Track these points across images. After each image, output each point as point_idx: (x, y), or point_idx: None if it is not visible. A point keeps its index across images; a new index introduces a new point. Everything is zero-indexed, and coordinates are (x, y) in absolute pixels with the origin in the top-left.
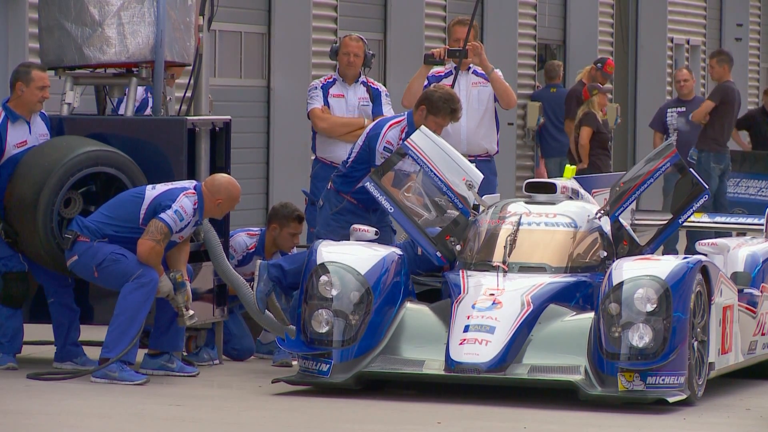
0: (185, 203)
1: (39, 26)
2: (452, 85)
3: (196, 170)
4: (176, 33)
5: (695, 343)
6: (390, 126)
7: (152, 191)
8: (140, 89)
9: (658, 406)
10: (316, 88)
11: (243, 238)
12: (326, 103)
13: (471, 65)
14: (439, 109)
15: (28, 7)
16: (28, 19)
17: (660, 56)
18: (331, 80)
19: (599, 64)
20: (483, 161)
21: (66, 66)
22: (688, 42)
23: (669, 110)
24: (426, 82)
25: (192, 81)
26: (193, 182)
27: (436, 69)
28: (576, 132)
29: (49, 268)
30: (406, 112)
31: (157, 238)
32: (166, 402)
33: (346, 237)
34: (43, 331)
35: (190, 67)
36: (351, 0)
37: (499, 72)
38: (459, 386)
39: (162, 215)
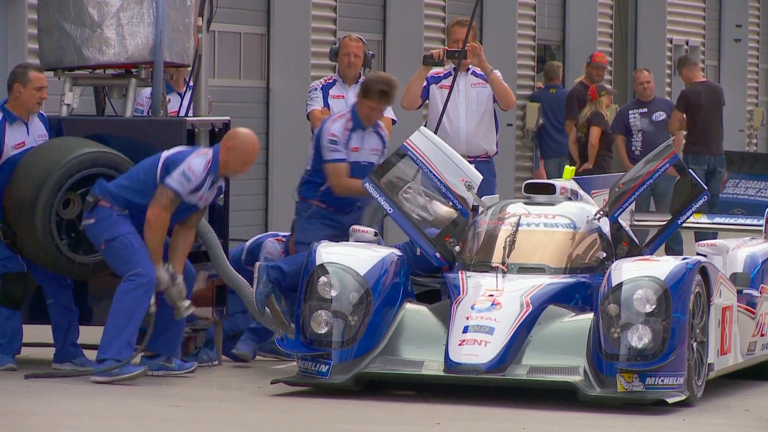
0: (194, 163)
1: (38, 27)
2: (451, 86)
3: None
4: (175, 34)
5: (694, 344)
6: (334, 120)
7: (167, 152)
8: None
9: (658, 407)
10: (316, 89)
11: (274, 245)
12: (326, 104)
13: (470, 66)
14: (368, 91)
15: (27, 8)
16: (27, 20)
17: (659, 57)
18: (331, 81)
19: (588, 59)
20: (482, 162)
21: (65, 67)
22: (687, 43)
23: (630, 112)
24: (425, 83)
25: (191, 82)
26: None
27: (435, 70)
28: (581, 132)
29: (47, 269)
30: (351, 106)
31: (162, 204)
32: (165, 403)
33: (326, 238)
34: (43, 332)
35: (189, 68)
36: (350, 1)
37: (498, 73)
38: (458, 387)
39: (167, 179)
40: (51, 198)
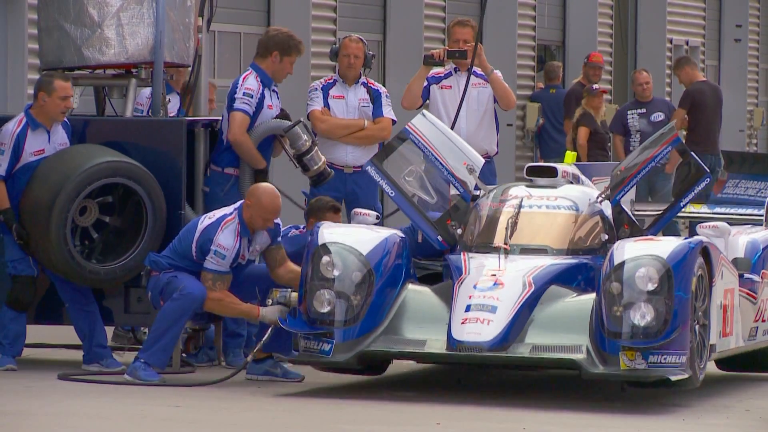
0: (222, 239)
1: (38, 27)
2: (465, 88)
3: (195, 171)
4: (175, 34)
5: (697, 327)
6: (245, 77)
7: (202, 223)
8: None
9: (658, 406)
10: (317, 89)
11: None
12: (326, 104)
13: (470, 66)
14: (290, 47)
15: (27, 8)
16: (28, 20)
17: (659, 57)
18: (331, 81)
19: (585, 60)
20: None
21: (65, 67)
22: (687, 43)
23: (629, 112)
24: (426, 83)
25: (191, 82)
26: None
27: (436, 70)
28: (573, 132)
29: (57, 273)
30: (251, 65)
31: (208, 286)
32: (165, 403)
33: None
34: (42, 333)
35: (189, 68)
36: (350, 1)
37: (498, 73)
38: (459, 386)
39: (206, 263)
40: (68, 203)
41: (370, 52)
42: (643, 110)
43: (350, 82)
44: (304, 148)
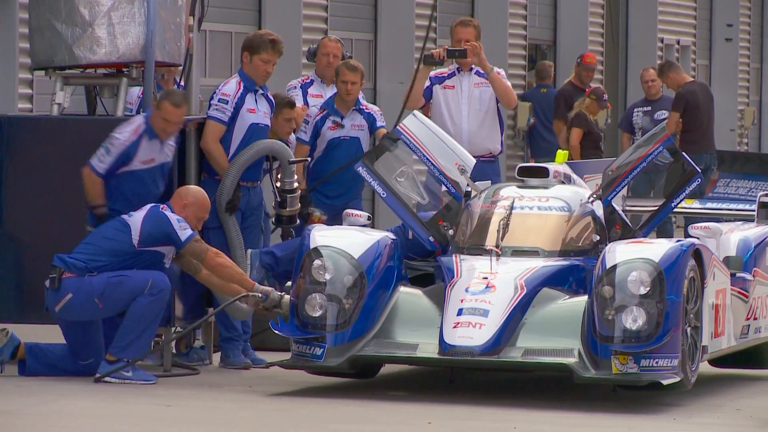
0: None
1: (29, 26)
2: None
3: (186, 170)
4: (166, 33)
5: (688, 329)
6: (225, 83)
7: (133, 218)
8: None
9: (650, 406)
10: (296, 87)
11: None
12: (306, 103)
13: (473, 66)
14: (257, 46)
15: (18, 7)
16: (19, 19)
17: (650, 56)
18: (308, 81)
19: (578, 60)
20: (486, 162)
21: (56, 66)
22: (678, 42)
23: (635, 110)
24: (428, 83)
25: (182, 81)
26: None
27: (440, 70)
28: (567, 133)
29: None
30: (238, 70)
31: (205, 251)
32: (158, 402)
33: None
34: (45, 332)
35: (181, 68)
36: (341, 0)
37: (500, 71)
38: (451, 386)
39: (182, 234)
40: None
41: (347, 54)
42: (649, 108)
43: (328, 81)
44: (289, 186)
